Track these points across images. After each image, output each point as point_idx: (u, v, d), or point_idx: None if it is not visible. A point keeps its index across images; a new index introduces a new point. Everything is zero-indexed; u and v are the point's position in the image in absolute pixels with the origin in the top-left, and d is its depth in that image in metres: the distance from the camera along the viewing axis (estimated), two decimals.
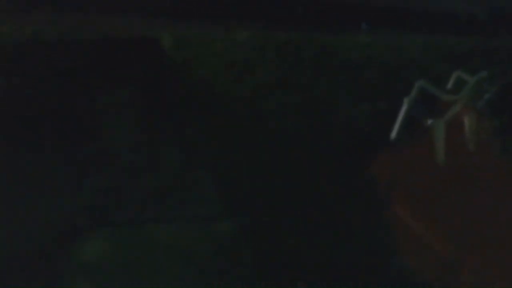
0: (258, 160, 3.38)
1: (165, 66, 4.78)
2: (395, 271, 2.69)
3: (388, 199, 3.15)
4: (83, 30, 5.56)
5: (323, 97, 4.42)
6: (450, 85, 3.97)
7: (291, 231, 2.78)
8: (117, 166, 3.18)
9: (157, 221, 2.83)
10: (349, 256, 2.78)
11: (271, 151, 3.52)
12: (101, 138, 3.42)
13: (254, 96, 4.31)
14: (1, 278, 2.44)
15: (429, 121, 3.61)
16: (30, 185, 2.92)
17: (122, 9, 7.05)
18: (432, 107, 3.72)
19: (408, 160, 3.55)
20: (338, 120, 4.04)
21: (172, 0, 7.46)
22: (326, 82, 4.74)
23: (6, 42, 4.80)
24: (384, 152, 3.65)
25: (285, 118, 3.96)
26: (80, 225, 2.77)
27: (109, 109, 3.78)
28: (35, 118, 3.53)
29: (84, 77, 4.23)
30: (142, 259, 2.66)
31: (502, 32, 7.23)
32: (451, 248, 2.81)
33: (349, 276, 2.68)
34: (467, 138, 3.81)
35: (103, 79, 4.24)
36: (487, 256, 2.72)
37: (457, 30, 7.85)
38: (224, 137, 3.60)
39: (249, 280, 2.58)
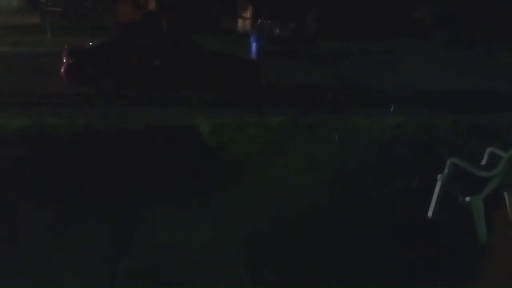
0: (291, 239, 3.25)
1: (202, 150, 4.90)
2: None
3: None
4: (130, 120, 5.95)
5: (356, 176, 4.31)
6: (484, 161, 3.79)
7: None
8: (151, 246, 3.15)
9: None
10: None
11: (304, 229, 3.38)
12: (136, 219, 3.43)
13: (286, 176, 4.27)
14: None
15: (467, 198, 3.39)
16: (66, 267, 2.91)
17: (164, 101, 7.55)
18: (467, 184, 3.51)
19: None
20: (372, 201, 3.87)
21: (209, 91, 7.95)
22: (357, 162, 4.66)
23: (61, 133, 5.16)
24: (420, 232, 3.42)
25: (318, 198, 3.85)
26: None
27: (145, 191, 3.84)
28: (80, 201, 3.63)
29: (126, 163, 4.39)
30: None
31: None
32: None
33: None
34: (509, 215, 3.52)
35: (145, 164, 4.39)
36: None
37: (487, 107, 7.74)
38: (257, 215, 3.52)
39: None
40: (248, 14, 17.69)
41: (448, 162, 3.60)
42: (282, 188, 4.00)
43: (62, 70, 7.58)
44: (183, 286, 2.81)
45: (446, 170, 3.59)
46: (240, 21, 18.22)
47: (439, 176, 3.58)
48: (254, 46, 12.78)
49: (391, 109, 6.97)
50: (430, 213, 3.59)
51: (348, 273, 2.93)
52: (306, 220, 3.48)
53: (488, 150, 3.80)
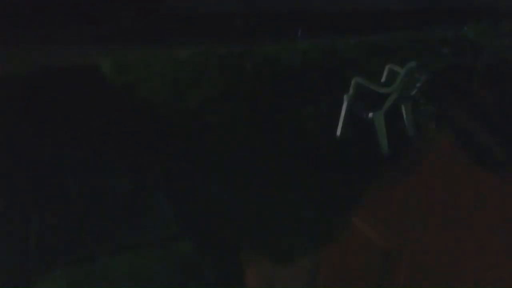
0: (211, 175, 3.28)
1: (106, 92, 4.57)
2: None
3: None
4: (19, 62, 5.27)
5: (269, 105, 4.39)
6: (383, 78, 4.05)
7: (250, 245, 2.68)
8: (65, 200, 2.97)
9: (113, 252, 2.65)
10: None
11: (223, 164, 3.42)
12: (46, 173, 3.19)
13: (200, 111, 4.20)
14: None
15: (370, 114, 3.65)
16: None
17: (57, 38, 6.75)
18: (370, 101, 3.76)
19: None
20: (286, 125, 4.01)
21: (109, 25, 7.25)
22: (270, 90, 4.72)
23: None
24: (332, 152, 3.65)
25: (234, 129, 3.88)
26: (31, 269, 2.54)
27: (52, 141, 3.55)
28: None
29: (23, 113, 3.96)
30: None
31: (427, 25, 7.61)
32: (394, 240, 2.81)
33: None
34: (405, 125, 3.88)
35: (42, 111, 3.99)
36: (429, 242, 2.73)
37: (386, 27, 8.18)
38: (174, 156, 3.46)
39: None
40: None
41: (352, 82, 3.79)
42: (196, 123, 3.95)
43: None
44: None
45: (351, 90, 3.80)
46: None
47: (345, 96, 3.78)
48: None
49: (298, 34, 7.04)
50: (338, 132, 3.83)
51: (265, 193, 3.06)
52: (223, 156, 3.52)
53: (387, 67, 4.06)
